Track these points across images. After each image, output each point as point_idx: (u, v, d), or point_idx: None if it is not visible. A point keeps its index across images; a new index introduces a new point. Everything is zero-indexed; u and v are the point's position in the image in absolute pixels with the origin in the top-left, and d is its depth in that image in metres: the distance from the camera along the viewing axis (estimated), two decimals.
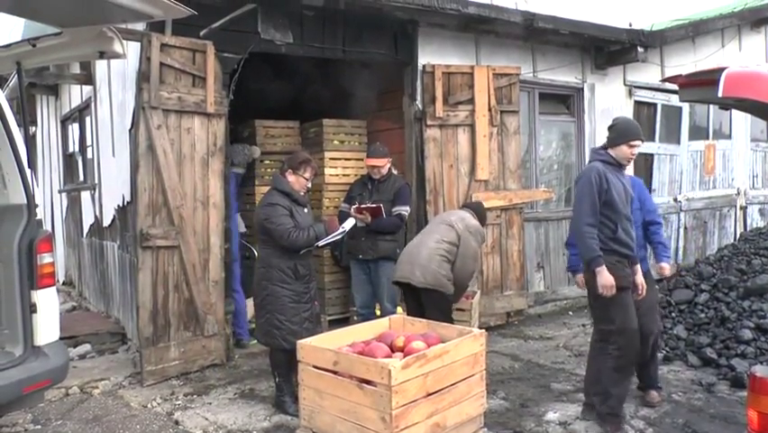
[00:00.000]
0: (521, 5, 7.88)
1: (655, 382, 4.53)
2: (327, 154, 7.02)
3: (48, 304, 3.75)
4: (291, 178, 4.46)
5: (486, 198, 6.70)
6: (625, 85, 8.47)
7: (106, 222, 7.04)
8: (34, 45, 3.74)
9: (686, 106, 9.19)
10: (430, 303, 4.62)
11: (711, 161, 9.68)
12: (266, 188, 6.84)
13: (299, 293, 4.38)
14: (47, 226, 7.84)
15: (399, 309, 5.58)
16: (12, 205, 3.85)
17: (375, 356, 3.57)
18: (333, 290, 7.05)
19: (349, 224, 4.82)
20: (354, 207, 5.40)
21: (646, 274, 4.59)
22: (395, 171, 5.88)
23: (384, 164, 5.60)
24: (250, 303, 6.85)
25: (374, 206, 5.36)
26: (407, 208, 5.59)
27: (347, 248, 5.96)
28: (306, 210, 4.53)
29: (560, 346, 6.14)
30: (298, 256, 4.38)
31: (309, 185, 4.58)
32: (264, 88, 7.78)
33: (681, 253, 9.21)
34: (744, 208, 10.23)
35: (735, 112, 9.26)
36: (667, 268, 4.67)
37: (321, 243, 4.45)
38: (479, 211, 5.10)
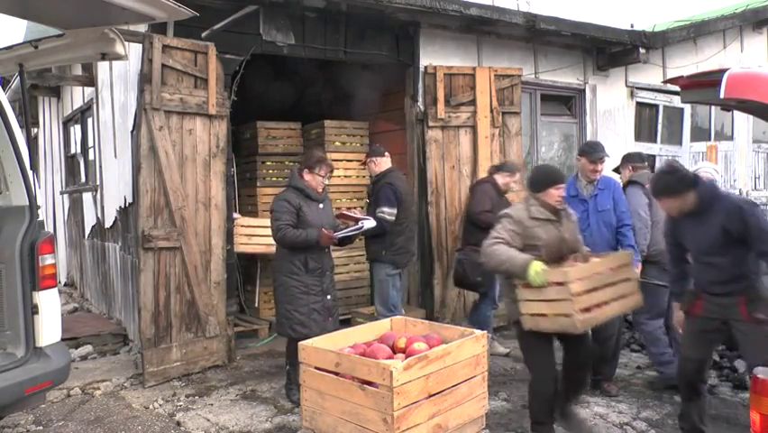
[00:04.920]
0: (523, 7, 7.89)
1: (611, 376, 4.84)
2: (329, 156, 7.00)
3: (49, 305, 3.75)
4: (308, 176, 4.67)
5: None
6: (626, 86, 8.47)
7: (108, 223, 7.05)
8: (36, 47, 3.75)
9: (688, 108, 9.19)
10: None
11: (713, 163, 9.67)
12: (267, 189, 6.95)
13: (308, 285, 4.55)
14: (49, 228, 7.87)
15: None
16: (14, 206, 3.85)
17: (377, 357, 3.56)
18: (336, 291, 7.04)
19: (368, 223, 4.98)
20: (337, 213, 5.30)
21: None
22: (398, 175, 5.79)
23: (362, 159, 5.69)
24: None
25: (347, 212, 5.37)
26: (385, 209, 5.28)
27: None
28: (321, 206, 4.70)
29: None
30: (309, 250, 4.54)
31: (326, 181, 4.77)
32: (266, 90, 7.79)
33: None
34: None
35: (736, 113, 9.26)
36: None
37: (339, 234, 4.71)
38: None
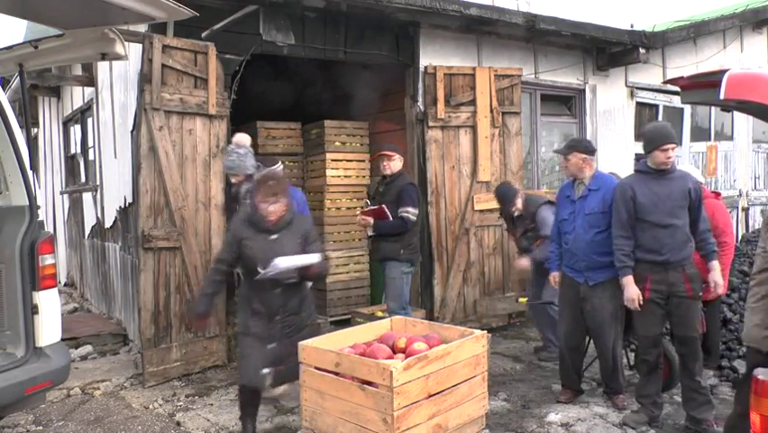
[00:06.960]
0: (523, 7, 7.88)
1: (619, 389, 4.59)
2: (329, 156, 7.04)
3: (49, 305, 3.75)
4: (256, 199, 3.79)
5: (488, 199, 6.71)
6: (626, 86, 8.47)
7: (108, 223, 7.04)
8: (36, 47, 3.75)
9: (688, 108, 9.20)
10: None
11: (713, 163, 9.67)
12: None
13: (248, 326, 3.82)
14: (49, 228, 7.86)
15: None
16: (14, 206, 3.86)
17: (377, 358, 3.56)
18: (335, 291, 7.06)
19: (284, 262, 3.63)
20: (360, 211, 5.51)
21: (604, 284, 4.33)
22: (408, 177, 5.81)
23: (392, 156, 5.39)
24: None
25: (376, 207, 5.35)
26: (410, 209, 5.27)
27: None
28: (274, 237, 3.71)
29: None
30: (256, 289, 3.75)
31: (271, 209, 3.67)
32: (266, 90, 7.79)
33: None
34: (746, 210, 10.23)
35: (736, 113, 9.27)
36: None
37: (269, 273, 3.61)
38: None
